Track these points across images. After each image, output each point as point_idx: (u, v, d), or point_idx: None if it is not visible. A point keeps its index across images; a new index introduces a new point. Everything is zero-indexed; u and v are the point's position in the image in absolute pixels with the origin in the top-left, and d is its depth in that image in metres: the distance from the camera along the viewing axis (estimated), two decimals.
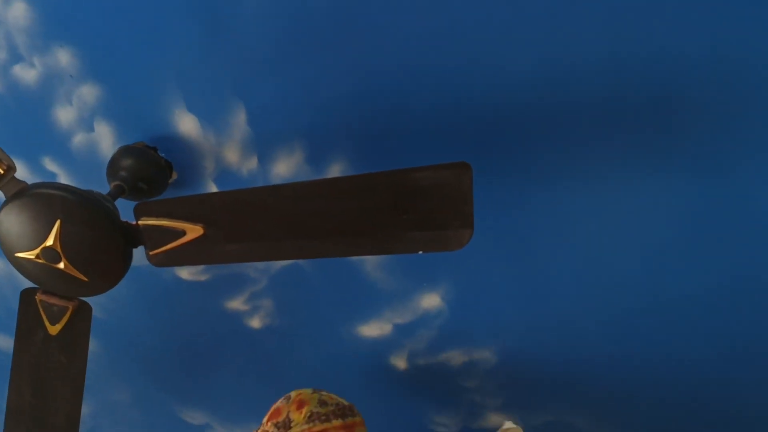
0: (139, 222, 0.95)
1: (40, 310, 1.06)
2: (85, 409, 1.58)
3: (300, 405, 1.16)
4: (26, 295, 1.06)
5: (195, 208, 0.94)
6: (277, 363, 1.45)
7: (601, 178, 1.07)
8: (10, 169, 0.92)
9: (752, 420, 1.32)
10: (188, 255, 0.97)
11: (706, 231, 1.08)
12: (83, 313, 1.08)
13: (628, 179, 1.05)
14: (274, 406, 1.20)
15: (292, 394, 1.21)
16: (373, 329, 1.36)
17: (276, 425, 1.14)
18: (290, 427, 1.14)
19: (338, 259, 1.26)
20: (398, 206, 0.92)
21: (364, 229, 0.95)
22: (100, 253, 0.96)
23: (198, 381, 1.52)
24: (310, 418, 1.14)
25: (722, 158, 1.00)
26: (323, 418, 1.15)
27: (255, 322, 1.39)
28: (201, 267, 1.33)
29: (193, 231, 0.95)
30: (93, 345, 1.48)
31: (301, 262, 1.29)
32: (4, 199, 0.95)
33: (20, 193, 0.93)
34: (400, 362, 1.39)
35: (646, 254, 1.13)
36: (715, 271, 1.12)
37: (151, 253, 0.98)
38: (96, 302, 1.41)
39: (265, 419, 1.19)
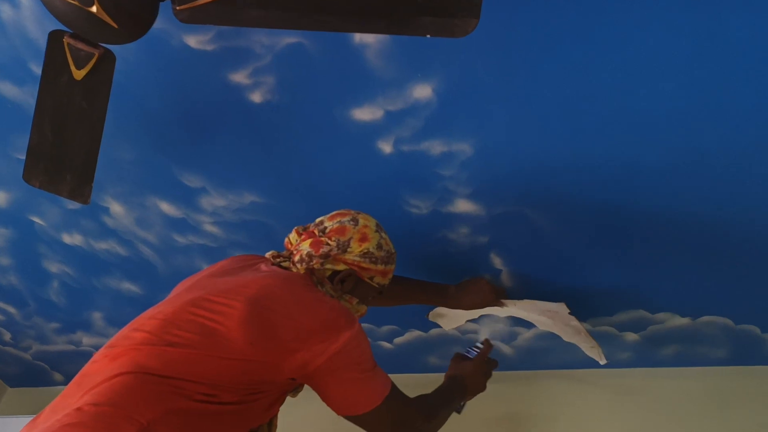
0: None
1: (67, 52, 1.13)
2: None
3: (363, 239, 1.36)
4: (54, 37, 1.12)
5: None
6: (273, 137, 1.58)
7: None
8: None
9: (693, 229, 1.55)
10: (214, 14, 1.04)
11: (686, 47, 1.19)
12: (108, 61, 1.16)
13: None
14: (340, 219, 1.38)
15: (360, 219, 1.39)
16: (365, 113, 1.48)
17: (337, 243, 1.33)
18: (346, 251, 1.33)
19: (343, 43, 1.34)
20: None
21: (380, 10, 1.03)
22: (131, 1, 1.02)
23: (197, 147, 1.64)
24: (364, 255, 1.35)
25: None
26: (373, 259, 1.36)
27: (256, 96, 1.49)
28: (210, 35, 1.39)
29: None
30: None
31: (306, 42, 1.36)
32: None
33: None
34: (386, 146, 1.53)
35: (626, 68, 1.26)
36: (691, 87, 1.25)
37: (179, 8, 1.04)
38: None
39: (328, 224, 1.38)
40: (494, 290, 1.71)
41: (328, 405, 1.22)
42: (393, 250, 1.43)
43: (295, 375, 1.16)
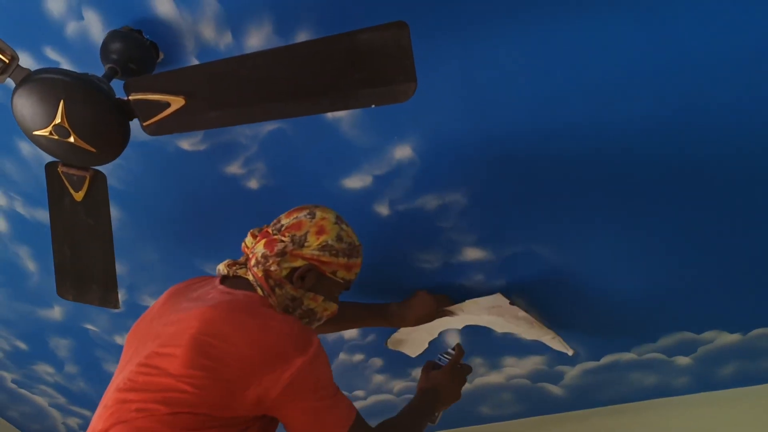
0: (130, 97, 1.10)
1: (64, 180, 1.25)
2: (124, 269, 1.84)
3: (320, 231, 1.28)
4: (50, 168, 1.25)
5: (174, 82, 1.08)
6: (275, 216, 1.65)
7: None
8: (14, 58, 1.07)
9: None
10: (176, 123, 1.13)
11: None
12: (99, 180, 1.27)
13: None
14: (296, 216, 1.31)
15: (318, 212, 1.32)
16: (355, 182, 1.53)
17: (292, 238, 1.26)
18: (303, 246, 1.26)
19: (318, 122, 1.41)
20: (351, 66, 1.05)
21: (321, 89, 1.09)
22: (102, 127, 1.13)
23: (211, 237, 1.74)
24: (323, 248, 1.27)
25: None
26: (333, 252, 1.28)
27: (252, 183, 1.58)
28: (199, 137, 1.50)
29: (176, 102, 1.10)
30: (119, 213, 1.71)
31: (283, 126, 1.44)
32: (14, 86, 1.11)
33: (26, 79, 1.09)
34: (382, 209, 1.57)
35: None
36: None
37: (144, 124, 1.14)
38: (115, 177, 1.62)
39: (284, 222, 1.30)
40: (435, 299, 1.65)
41: None
42: (357, 243, 1.36)
43: (255, 412, 1.10)
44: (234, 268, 1.30)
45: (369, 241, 1.64)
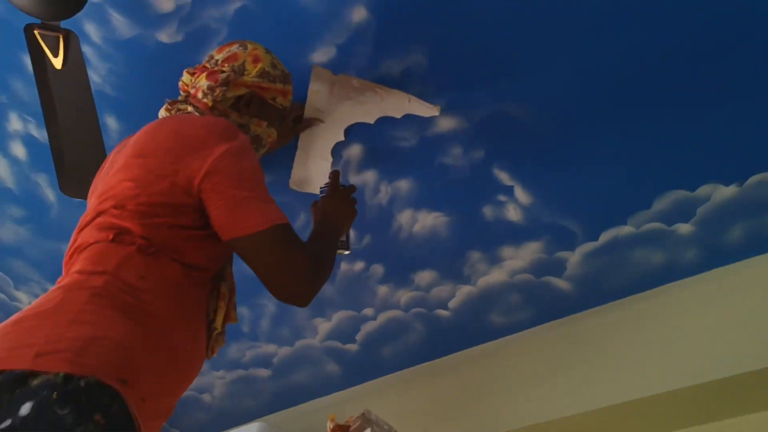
0: None
1: (40, 42, 1.39)
2: None
3: (256, 60, 1.38)
4: (28, 31, 1.39)
5: None
6: None
7: None
8: None
9: None
10: None
11: None
12: (73, 41, 1.40)
13: None
14: (229, 49, 1.40)
15: (248, 44, 1.41)
16: (321, 56, 1.60)
17: (232, 68, 1.35)
18: (243, 74, 1.36)
19: None
20: None
21: None
22: None
23: None
24: (262, 75, 1.37)
25: None
26: (271, 78, 1.38)
27: None
28: (174, 27, 1.62)
29: None
30: (117, 125, 1.84)
31: (246, 3, 1.54)
32: None
33: None
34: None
35: None
36: None
37: None
38: (107, 82, 1.75)
39: (218, 56, 1.39)
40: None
41: (216, 230, 1.13)
42: (287, 72, 1.45)
43: (191, 199, 1.13)
44: (174, 105, 1.38)
45: None
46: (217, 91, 1.32)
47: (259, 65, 1.38)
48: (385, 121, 1.68)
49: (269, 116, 1.41)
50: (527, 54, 1.51)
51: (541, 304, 2.01)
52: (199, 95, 1.33)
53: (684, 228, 1.73)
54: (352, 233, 1.62)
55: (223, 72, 1.34)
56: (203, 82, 1.34)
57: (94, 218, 1.16)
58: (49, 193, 2.07)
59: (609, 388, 1.91)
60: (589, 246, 1.82)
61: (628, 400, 1.88)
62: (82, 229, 1.17)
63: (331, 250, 1.29)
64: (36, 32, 1.37)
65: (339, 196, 1.45)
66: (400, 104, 1.61)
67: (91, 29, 1.63)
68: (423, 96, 1.60)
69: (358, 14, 1.51)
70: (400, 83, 1.60)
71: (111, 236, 1.10)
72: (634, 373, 1.88)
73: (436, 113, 1.58)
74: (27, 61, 1.75)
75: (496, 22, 1.47)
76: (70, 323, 0.94)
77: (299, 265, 1.10)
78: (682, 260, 1.79)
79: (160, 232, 1.11)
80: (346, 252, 1.53)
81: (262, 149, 1.44)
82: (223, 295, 1.23)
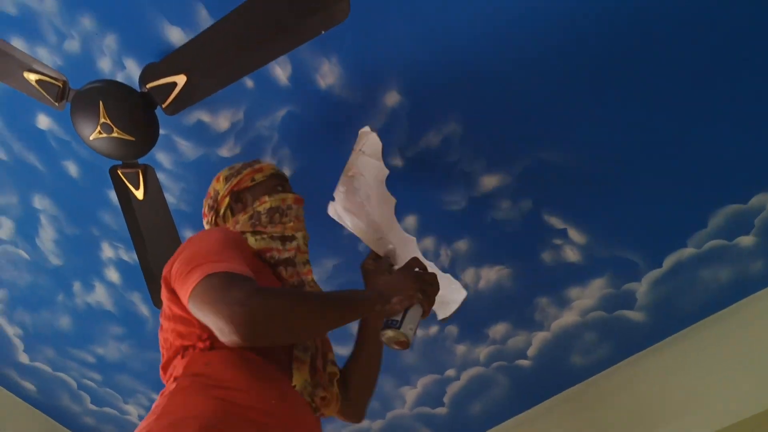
0: (147, 86, 1.44)
1: (123, 179, 1.59)
2: None
3: (217, 179, 1.50)
4: (113, 172, 1.60)
5: (173, 64, 1.41)
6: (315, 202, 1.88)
7: None
8: (65, 81, 1.45)
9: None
10: (186, 97, 1.44)
11: None
12: (150, 173, 1.59)
13: None
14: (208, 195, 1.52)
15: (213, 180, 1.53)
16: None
17: (210, 202, 1.49)
18: (218, 194, 1.47)
19: (316, 90, 1.67)
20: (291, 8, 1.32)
21: (280, 30, 1.35)
22: (134, 115, 1.46)
23: None
24: (226, 180, 1.48)
25: None
26: (235, 175, 1.48)
27: (286, 171, 1.84)
28: (231, 142, 1.81)
29: (180, 79, 1.42)
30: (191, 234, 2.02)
31: (291, 109, 1.72)
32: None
33: (74, 96, 1.46)
34: (397, 161, 1.76)
35: None
36: None
37: (164, 107, 1.46)
38: (182, 200, 1.93)
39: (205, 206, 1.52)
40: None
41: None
42: (249, 161, 1.54)
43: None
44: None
45: (394, 192, 1.83)
46: (210, 216, 1.49)
47: (221, 178, 1.50)
48: (433, 188, 1.79)
49: (263, 191, 1.45)
50: (555, 104, 1.60)
51: (619, 339, 2.01)
52: (206, 228, 1.51)
53: (746, 240, 1.73)
54: (415, 317, 1.25)
55: (208, 209, 1.50)
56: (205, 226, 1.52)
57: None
58: (144, 308, 2.27)
59: (708, 414, 1.87)
60: (654, 274, 1.84)
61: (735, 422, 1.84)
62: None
63: (325, 305, 1.17)
64: (119, 172, 1.58)
65: (403, 271, 1.33)
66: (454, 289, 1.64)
67: (162, 157, 1.84)
68: (465, 160, 1.71)
69: (392, 99, 1.65)
70: (441, 152, 1.71)
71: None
72: (731, 393, 1.84)
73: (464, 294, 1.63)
74: (111, 195, 1.99)
75: (521, 78, 1.57)
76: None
77: (236, 299, 1.01)
78: (750, 273, 1.78)
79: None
80: (400, 337, 1.23)
81: (290, 211, 1.43)
82: (296, 357, 1.23)
